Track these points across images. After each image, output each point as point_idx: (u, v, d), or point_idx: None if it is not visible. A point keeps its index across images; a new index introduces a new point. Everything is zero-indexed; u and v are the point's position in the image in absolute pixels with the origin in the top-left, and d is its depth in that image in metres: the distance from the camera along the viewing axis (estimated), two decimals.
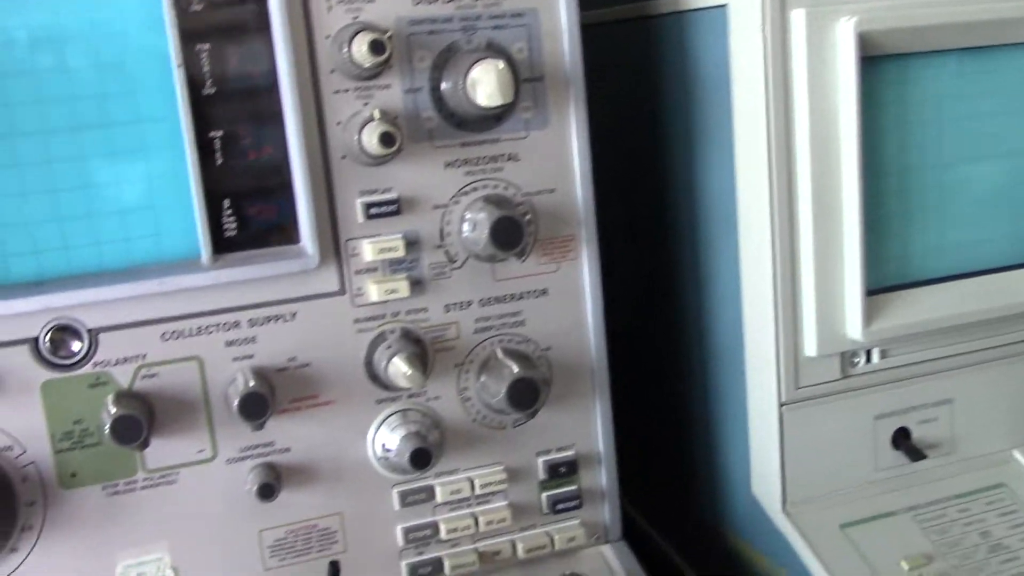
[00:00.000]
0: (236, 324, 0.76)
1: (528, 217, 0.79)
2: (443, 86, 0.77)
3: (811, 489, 0.87)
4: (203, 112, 0.73)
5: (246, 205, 0.75)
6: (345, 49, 0.72)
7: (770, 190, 0.80)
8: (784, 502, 0.86)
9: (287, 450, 0.78)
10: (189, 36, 0.71)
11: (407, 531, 0.81)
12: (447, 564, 0.82)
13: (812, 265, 0.81)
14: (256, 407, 0.73)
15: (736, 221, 0.85)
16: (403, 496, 0.81)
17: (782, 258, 0.81)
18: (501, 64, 0.74)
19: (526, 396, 0.78)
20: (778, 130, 0.79)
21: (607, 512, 0.87)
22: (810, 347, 0.83)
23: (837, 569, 0.82)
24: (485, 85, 0.74)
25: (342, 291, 0.78)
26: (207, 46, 0.72)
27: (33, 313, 0.71)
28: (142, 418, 0.71)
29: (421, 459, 0.76)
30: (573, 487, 0.85)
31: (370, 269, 0.78)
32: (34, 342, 0.72)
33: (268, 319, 0.76)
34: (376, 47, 0.72)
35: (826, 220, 0.81)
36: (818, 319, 0.82)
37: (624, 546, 0.87)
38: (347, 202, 0.77)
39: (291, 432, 0.78)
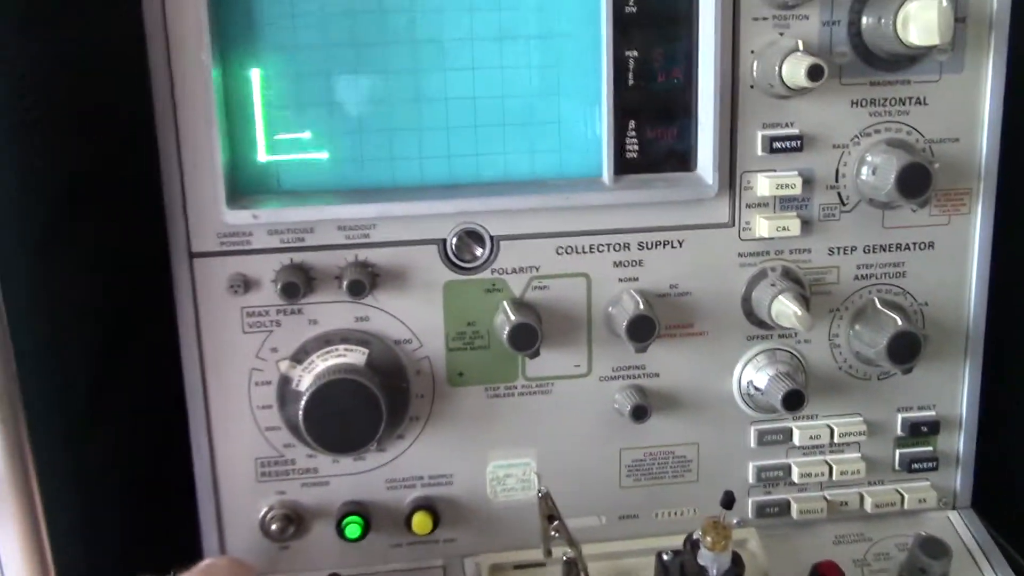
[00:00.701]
0: (626, 246, 0.76)
1: (936, 165, 0.75)
2: (865, 20, 0.73)
3: None
4: (622, 31, 0.72)
5: (649, 128, 0.75)
6: None
7: None
8: None
9: (656, 375, 0.78)
10: None
11: (760, 469, 0.81)
12: (795, 507, 0.81)
13: None
14: (646, 330, 0.73)
15: None
16: (760, 435, 0.80)
17: None
18: (944, 0, 0.69)
19: (907, 350, 0.75)
20: None
21: (960, 478, 0.84)
22: None
23: None
24: (922, 22, 0.70)
25: (731, 223, 0.77)
26: None
27: (445, 216, 0.74)
28: (537, 327, 0.73)
29: (794, 401, 0.75)
30: (930, 448, 0.82)
31: (761, 204, 0.76)
32: (443, 243, 0.74)
33: (657, 244, 0.76)
34: None
35: None
36: None
37: (974, 514, 0.84)
38: (748, 134, 0.75)
39: (662, 358, 0.78)
